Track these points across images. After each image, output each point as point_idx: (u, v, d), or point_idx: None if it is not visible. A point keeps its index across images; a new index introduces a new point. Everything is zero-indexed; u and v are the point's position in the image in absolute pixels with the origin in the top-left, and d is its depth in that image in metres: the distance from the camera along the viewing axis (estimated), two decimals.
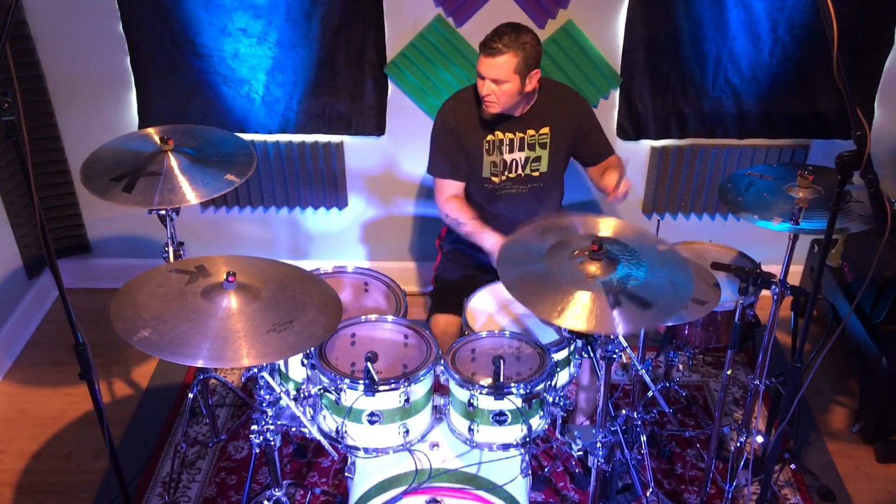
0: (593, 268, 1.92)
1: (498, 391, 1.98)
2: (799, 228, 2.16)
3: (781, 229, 2.18)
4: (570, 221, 2.14)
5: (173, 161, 2.35)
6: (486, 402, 2.03)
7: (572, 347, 2.24)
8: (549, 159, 2.65)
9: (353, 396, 2.00)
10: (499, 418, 2.04)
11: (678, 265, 1.99)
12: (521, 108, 2.57)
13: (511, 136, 2.60)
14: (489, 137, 2.59)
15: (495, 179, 2.64)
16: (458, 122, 2.59)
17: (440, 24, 3.08)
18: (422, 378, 2.04)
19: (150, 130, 2.51)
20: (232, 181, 2.34)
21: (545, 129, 2.61)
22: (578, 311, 1.81)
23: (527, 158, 2.63)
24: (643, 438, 2.42)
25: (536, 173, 2.67)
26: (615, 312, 1.81)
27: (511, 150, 2.61)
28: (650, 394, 2.55)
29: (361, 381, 1.97)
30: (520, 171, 2.65)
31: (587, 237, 2.02)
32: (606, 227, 2.11)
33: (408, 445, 2.10)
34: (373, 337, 2.23)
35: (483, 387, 2.01)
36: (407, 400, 2.02)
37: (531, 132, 2.60)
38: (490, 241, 2.52)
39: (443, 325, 2.59)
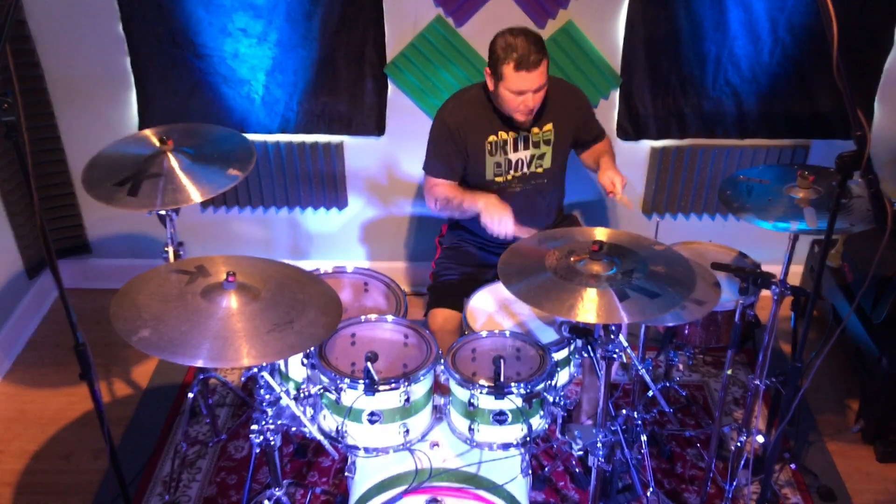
0: (596, 267, 1.95)
1: (498, 391, 1.98)
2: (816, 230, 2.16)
3: (803, 229, 2.18)
4: (566, 232, 2.17)
5: (174, 161, 2.35)
6: (487, 402, 2.03)
7: (572, 347, 2.24)
8: (552, 156, 2.65)
9: (353, 396, 2.00)
10: (499, 418, 2.05)
11: (676, 259, 2.03)
12: None
13: (515, 134, 2.59)
14: (491, 138, 2.58)
15: (499, 179, 2.64)
16: (459, 124, 2.57)
17: (440, 24, 3.08)
18: (422, 378, 2.04)
19: (148, 132, 2.50)
20: (235, 175, 2.33)
21: (548, 126, 2.61)
22: (588, 307, 1.83)
23: (532, 156, 2.63)
24: (643, 438, 2.42)
25: (540, 170, 2.66)
26: (624, 304, 1.83)
27: (516, 149, 2.61)
28: (650, 393, 2.55)
29: (361, 381, 1.97)
30: (525, 169, 2.64)
31: (585, 242, 2.04)
32: (601, 234, 2.14)
33: (408, 445, 2.10)
34: (373, 337, 2.23)
35: (483, 386, 2.01)
36: (407, 399, 2.02)
37: (535, 130, 2.60)
38: (482, 200, 2.51)
39: (441, 320, 2.58)
